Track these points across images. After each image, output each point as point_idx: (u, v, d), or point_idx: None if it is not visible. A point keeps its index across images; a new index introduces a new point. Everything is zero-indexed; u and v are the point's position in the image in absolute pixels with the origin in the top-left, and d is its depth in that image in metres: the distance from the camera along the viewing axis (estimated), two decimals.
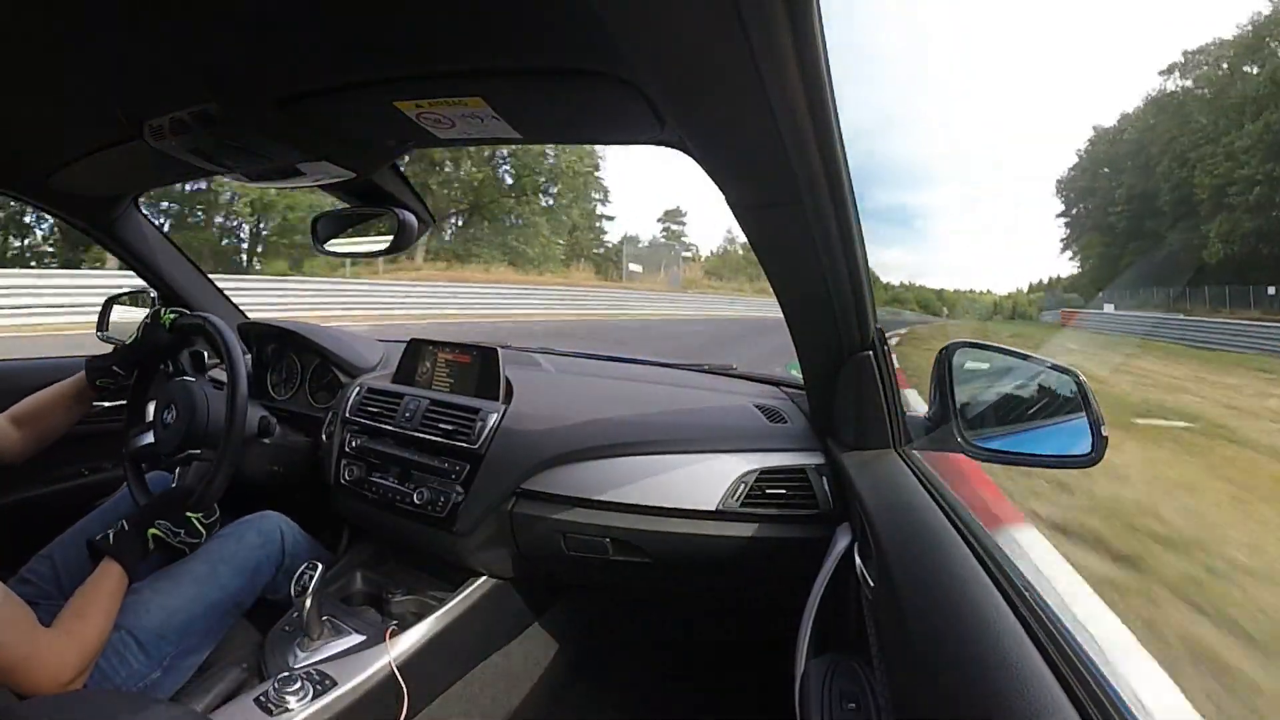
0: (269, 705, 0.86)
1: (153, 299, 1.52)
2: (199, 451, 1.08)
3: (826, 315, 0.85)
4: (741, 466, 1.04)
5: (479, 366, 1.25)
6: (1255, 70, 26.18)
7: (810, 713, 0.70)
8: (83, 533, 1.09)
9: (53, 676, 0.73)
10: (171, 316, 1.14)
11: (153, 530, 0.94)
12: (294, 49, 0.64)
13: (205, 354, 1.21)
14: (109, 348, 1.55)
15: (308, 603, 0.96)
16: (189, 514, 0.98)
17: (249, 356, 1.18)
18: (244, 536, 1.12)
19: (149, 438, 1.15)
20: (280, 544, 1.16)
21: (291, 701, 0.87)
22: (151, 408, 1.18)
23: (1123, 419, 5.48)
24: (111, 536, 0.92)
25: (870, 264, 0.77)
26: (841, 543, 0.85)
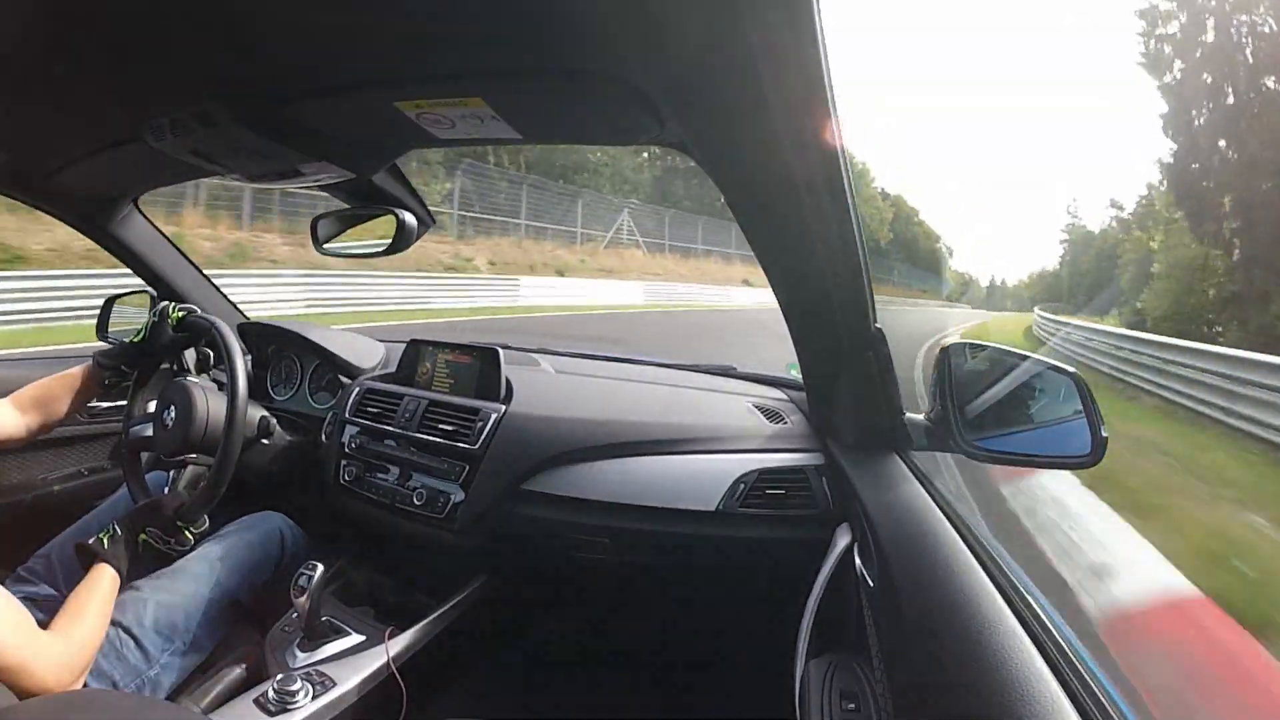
0: (269, 705, 0.86)
1: (153, 298, 1.53)
2: (195, 456, 1.07)
3: (826, 315, 0.85)
4: (741, 467, 1.04)
5: (479, 366, 1.25)
6: None
7: (810, 712, 0.70)
8: (82, 532, 1.09)
9: (51, 679, 0.73)
10: (180, 314, 1.14)
11: (143, 536, 0.94)
12: (294, 49, 0.64)
13: (210, 354, 1.21)
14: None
15: (307, 603, 0.96)
16: (180, 524, 0.98)
17: (249, 357, 1.18)
18: (244, 535, 1.12)
19: (147, 430, 1.15)
20: (280, 544, 1.16)
21: (291, 701, 0.87)
22: (152, 404, 1.18)
23: None
24: (105, 541, 0.91)
25: None
26: (841, 543, 0.85)
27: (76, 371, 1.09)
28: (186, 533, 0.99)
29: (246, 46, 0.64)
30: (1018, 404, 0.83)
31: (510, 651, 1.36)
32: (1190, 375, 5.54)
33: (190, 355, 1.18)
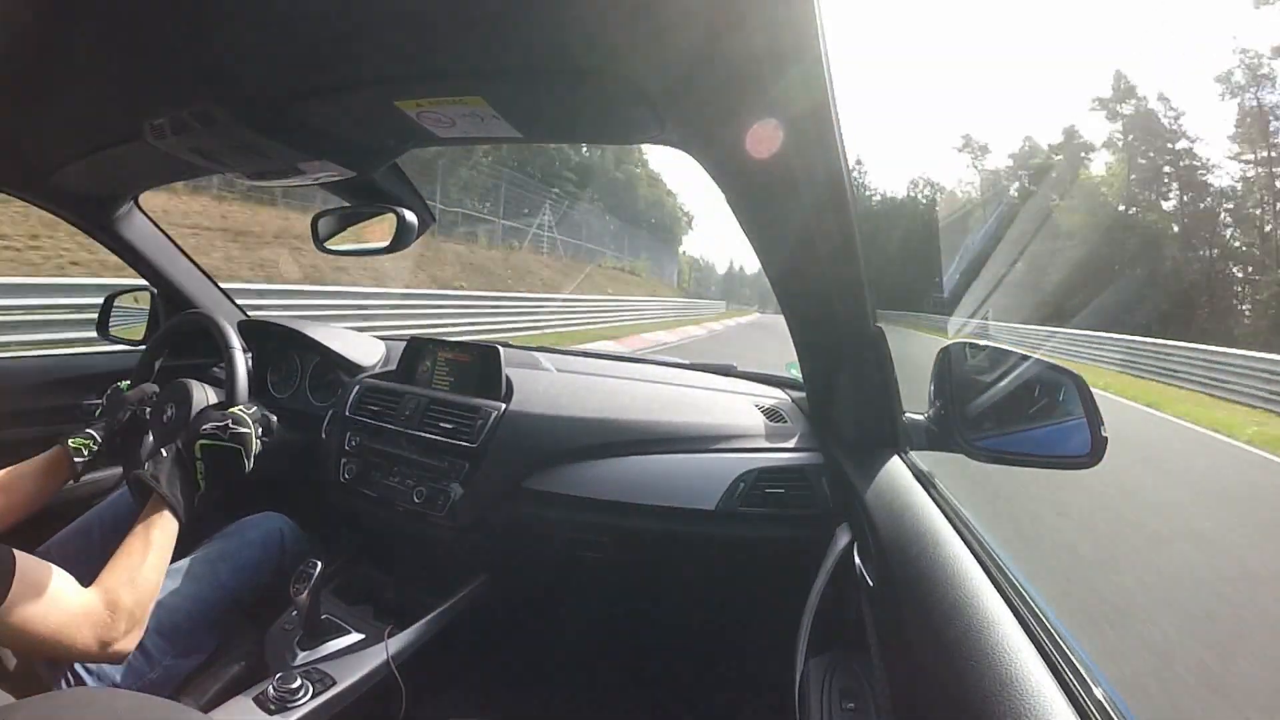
0: (268, 703, 0.87)
1: (152, 295, 1.53)
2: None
3: (826, 315, 0.85)
4: (741, 466, 1.04)
5: (479, 365, 1.25)
6: None
7: (810, 711, 0.70)
8: (80, 530, 1.09)
9: (98, 639, 0.68)
10: (125, 384, 1.15)
11: (201, 441, 0.89)
12: (294, 48, 0.64)
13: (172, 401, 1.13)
14: (107, 346, 1.56)
15: (307, 601, 0.97)
16: (230, 409, 0.95)
17: (249, 355, 1.18)
18: (244, 535, 1.12)
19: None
20: (280, 543, 1.16)
21: (291, 700, 0.87)
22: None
23: None
24: (154, 466, 0.83)
25: None
26: (841, 542, 0.85)
27: (46, 457, 1.00)
28: (240, 411, 0.95)
29: (246, 46, 0.64)
30: (1018, 404, 0.83)
31: (510, 650, 1.36)
32: None
33: (156, 394, 1.14)
